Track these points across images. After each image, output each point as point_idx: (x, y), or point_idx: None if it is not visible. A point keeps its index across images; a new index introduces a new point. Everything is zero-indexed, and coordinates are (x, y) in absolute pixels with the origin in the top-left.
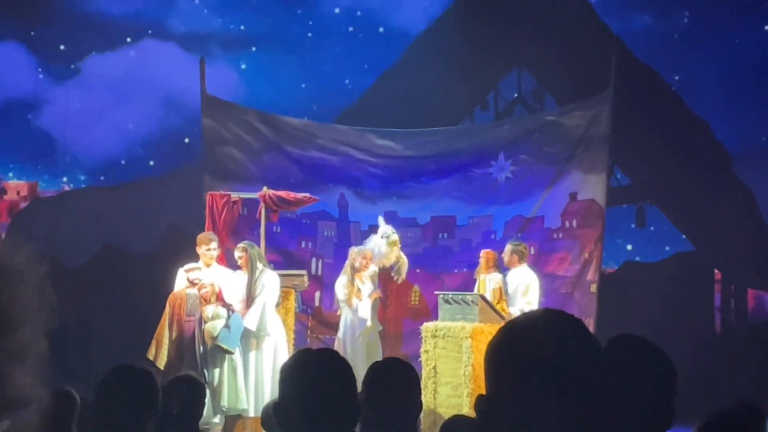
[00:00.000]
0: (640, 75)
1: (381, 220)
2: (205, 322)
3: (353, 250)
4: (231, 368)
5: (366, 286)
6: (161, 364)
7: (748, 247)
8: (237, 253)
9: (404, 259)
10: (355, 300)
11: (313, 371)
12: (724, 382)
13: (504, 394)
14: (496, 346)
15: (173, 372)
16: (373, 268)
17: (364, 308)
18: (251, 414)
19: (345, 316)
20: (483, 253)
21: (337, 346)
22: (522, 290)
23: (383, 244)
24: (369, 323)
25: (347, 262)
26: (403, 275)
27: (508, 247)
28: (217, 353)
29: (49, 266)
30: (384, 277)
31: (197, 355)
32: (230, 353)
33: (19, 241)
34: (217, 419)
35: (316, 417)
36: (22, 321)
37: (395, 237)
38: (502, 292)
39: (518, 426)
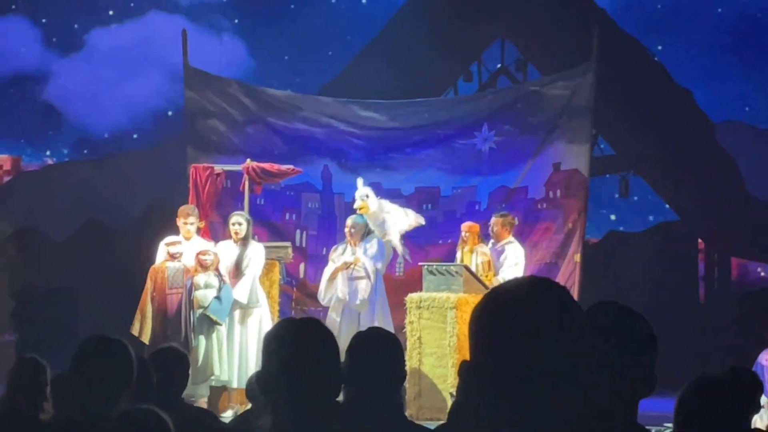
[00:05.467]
0: (623, 45)
1: (359, 182)
2: (196, 290)
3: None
4: (218, 339)
5: (346, 255)
6: (146, 338)
7: (732, 216)
8: (239, 222)
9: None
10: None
11: (296, 340)
12: (708, 350)
13: (487, 360)
14: (480, 312)
15: (157, 345)
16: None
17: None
18: (235, 386)
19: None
20: (468, 226)
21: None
22: (512, 263)
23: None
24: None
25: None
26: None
27: (498, 220)
28: (204, 323)
29: (13, 228)
30: None
31: (183, 323)
32: (219, 324)
33: None
34: (202, 391)
35: (298, 386)
36: None
37: (367, 189)
38: (491, 265)
39: (501, 392)
